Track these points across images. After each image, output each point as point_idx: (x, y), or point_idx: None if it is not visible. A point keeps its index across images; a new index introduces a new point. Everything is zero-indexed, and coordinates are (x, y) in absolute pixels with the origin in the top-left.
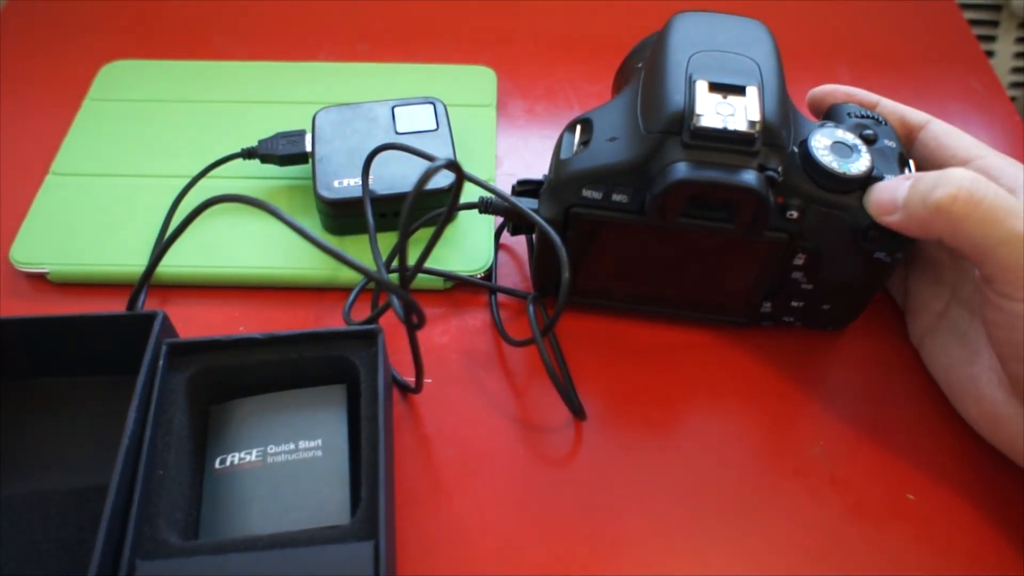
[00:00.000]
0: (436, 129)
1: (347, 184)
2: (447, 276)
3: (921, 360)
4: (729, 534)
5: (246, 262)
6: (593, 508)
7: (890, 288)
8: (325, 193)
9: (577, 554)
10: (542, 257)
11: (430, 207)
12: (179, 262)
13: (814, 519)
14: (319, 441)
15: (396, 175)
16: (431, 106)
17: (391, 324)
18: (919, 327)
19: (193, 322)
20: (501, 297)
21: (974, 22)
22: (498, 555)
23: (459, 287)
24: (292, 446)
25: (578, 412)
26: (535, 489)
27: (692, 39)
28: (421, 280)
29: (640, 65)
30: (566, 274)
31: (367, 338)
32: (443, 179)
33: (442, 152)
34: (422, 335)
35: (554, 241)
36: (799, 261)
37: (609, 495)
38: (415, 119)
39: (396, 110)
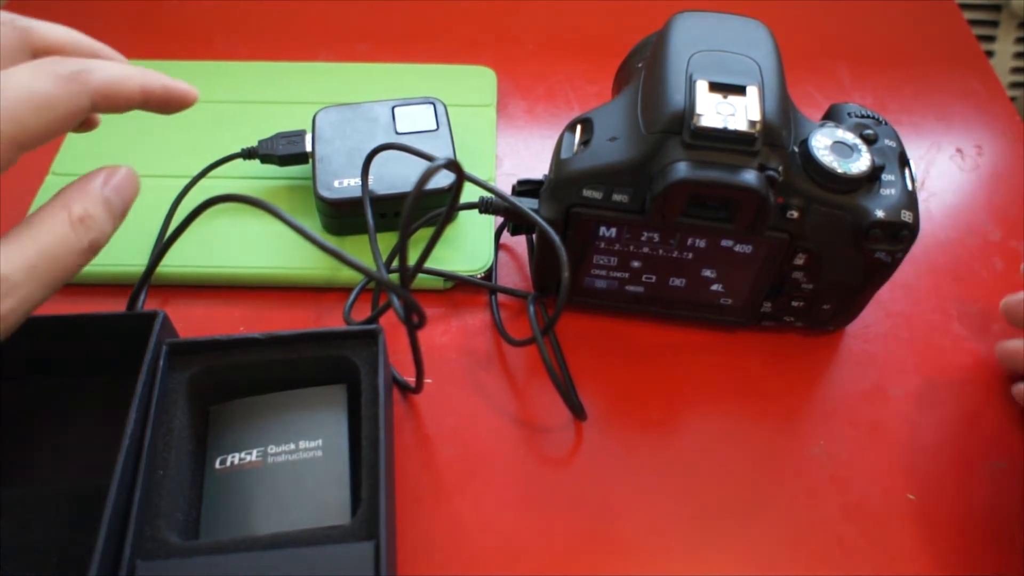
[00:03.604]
0: (436, 129)
1: (347, 184)
2: (447, 276)
3: None
4: (729, 534)
5: (246, 262)
6: (593, 508)
7: None
8: (325, 193)
9: (577, 554)
10: (542, 257)
11: (430, 207)
12: (179, 262)
13: (814, 519)
14: (319, 441)
15: (396, 175)
16: (431, 106)
17: (391, 324)
18: None
19: (193, 322)
20: (501, 297)
21: (974, 22)
22: (498, 555)
23: (459, 287)
24: (292, 446)
25: (578, 412)
26: (535, 489)
27: (692, 39)
28: (421, 280)
29: (640, 65)
30: (566, 274)
31: (367, 338)
32: (443, 179)
33: (442, 152)
34: (422, 335)
35: (554, 241)
36: (799, 261)
37: (609, 495)
38: (415, 119)
39: (396, 110)
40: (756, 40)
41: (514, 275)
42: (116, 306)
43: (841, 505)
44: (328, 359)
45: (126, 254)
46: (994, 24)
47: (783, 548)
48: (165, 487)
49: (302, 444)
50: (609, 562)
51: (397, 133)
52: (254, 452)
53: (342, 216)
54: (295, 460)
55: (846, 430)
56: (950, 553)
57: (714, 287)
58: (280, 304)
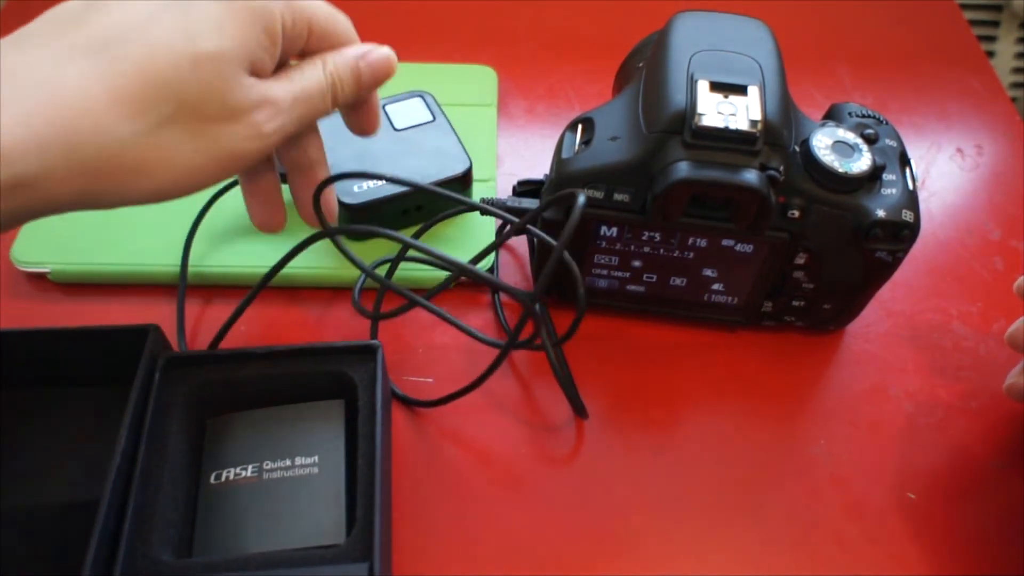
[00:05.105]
0: (433, 120)
1: (366, 187)
2: (450, 270)
3: None
4: (729, 533)
5: (247, 262)
6: (594, 507)
7: None
8: (349, 199)
9: (578, 553)
10: (542, 257)
11: (444, 207)
12: (180, 262)
13: (814, 519)
14: (316, 457)
15: (412, 169)
16: (420, 99)
17: (391, 333)
18: None
19: (194, 322)
20: (502, 297)
21: (974, 22)
22: (499, 554)
23: (461, 287)
24: (288, 462)
25: (580, 411)
26: (537, 488)
27: (693, 39)
28: (424, 279)
29: (641, 65)
30: (579, 288)
31: (366, 353)
32: (457, 168)
33: (447, 141)
34: (423, 335)
35: (540, 244)
36: (800, 260)
37: (610, 494)
38: (410, 114)
39: (388, 108)
40: (757, 40)
41: (515, 274)
42: (116, 306)
43: (841, 505)
44: (326, 374)
45: (126, 254)
46: (995, 24)
47: (783, 548)
48: (159, 502)
49: (298, 460)
50: (610, 561)
51: (396, 130)
52: (249, 467)
53: (365, 220)
54: (291, 477)
55: (846, 430)
56: (950, 553)
57: (715, 287)
58: (282, 304)
